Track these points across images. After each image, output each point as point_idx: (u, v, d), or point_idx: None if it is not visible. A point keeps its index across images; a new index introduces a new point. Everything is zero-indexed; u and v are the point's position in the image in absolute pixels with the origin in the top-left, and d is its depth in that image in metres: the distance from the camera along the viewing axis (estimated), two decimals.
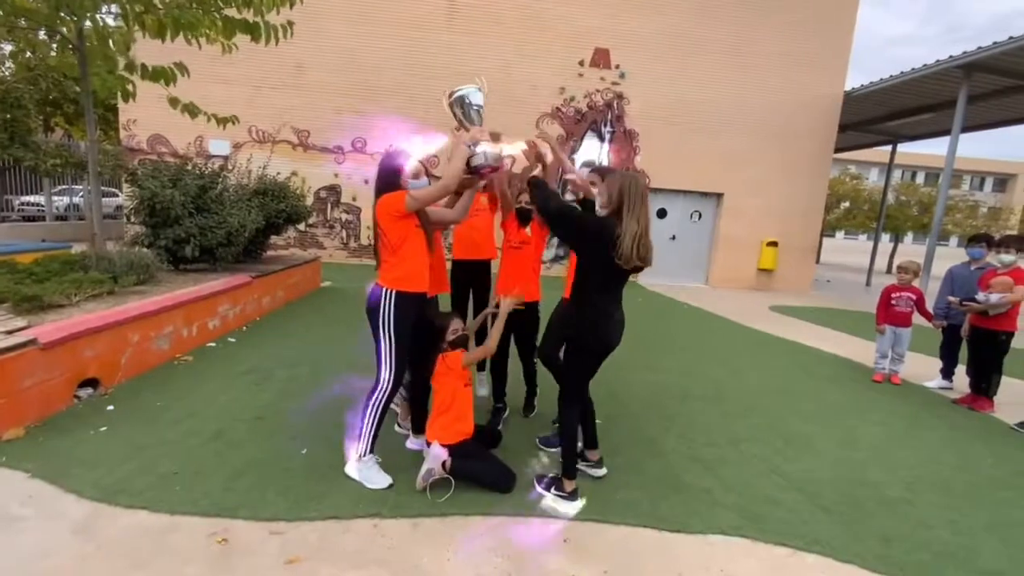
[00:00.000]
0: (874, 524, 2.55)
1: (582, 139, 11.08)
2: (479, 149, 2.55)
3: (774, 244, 11.59)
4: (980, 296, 4.26)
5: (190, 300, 4.50)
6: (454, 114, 2.71)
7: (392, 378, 2.60)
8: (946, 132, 10.44)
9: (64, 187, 12.52)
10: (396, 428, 3.25)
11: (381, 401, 2.61)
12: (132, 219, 5.48)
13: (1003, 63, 8.61)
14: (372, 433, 2.63)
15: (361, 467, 2.61)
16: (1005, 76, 9.03)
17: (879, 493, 2.85)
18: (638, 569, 2.14)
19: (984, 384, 4.43)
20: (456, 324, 2.78)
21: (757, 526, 2.46)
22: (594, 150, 11.16)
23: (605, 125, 11.07)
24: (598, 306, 2.46)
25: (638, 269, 2.36)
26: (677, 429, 3.55)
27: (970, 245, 4.75)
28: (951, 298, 4.60)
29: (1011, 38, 7.90)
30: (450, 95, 2.68)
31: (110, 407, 3.29)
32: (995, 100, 10.30)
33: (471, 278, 3.67)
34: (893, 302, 4.98)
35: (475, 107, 2.66)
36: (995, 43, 8.12)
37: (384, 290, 2.53)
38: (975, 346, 4.51)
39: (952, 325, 4.81)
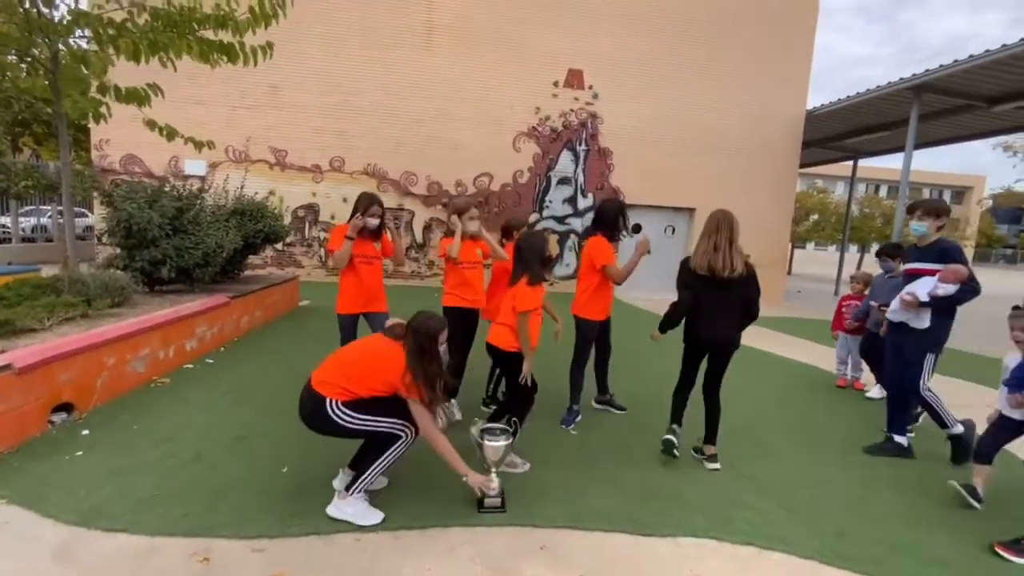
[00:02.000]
0: (833, 522, 2.70)
1: (558, 157, 11.35)
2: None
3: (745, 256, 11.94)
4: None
5: (167, 322, 4.48)
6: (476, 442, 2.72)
7: (412, 431, 2.50)
8: (901, 148, 10.99)
9: (31, 207, 12.25)
10: None
11: (404, 448, 2.51)
12: (105, 240, 5.43)
13: (950, 84, 9.16)
14: (378, 475, 2.52)
15: (347, 505, 2.46)
16: (953, 96, 9.60)
17: (838, 492, 3.01)
18: (612, 572, 2.23)
19: None
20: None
21: (725, 528, 2.58)
22: (569, 167, 11.44)
23: (580, 144, 11.37)
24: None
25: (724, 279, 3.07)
26: (652, 437, 3.66)
27: (879, 258, 4.91)
28: (872, 303, 4.65)
29: (956, 61, 8.43)
30: (481, 435, 2.68)
31: (85, 431, 3.26)
32: (945, 118, 10.91)
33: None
34: (844, 310, 5.22)
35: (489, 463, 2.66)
36: (941, 66, 8.65)
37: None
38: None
39: (873, 332, 4.71)
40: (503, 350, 3.09)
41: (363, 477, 2.46)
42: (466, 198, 3.28)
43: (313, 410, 2.42)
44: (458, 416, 3.71)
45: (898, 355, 3.63)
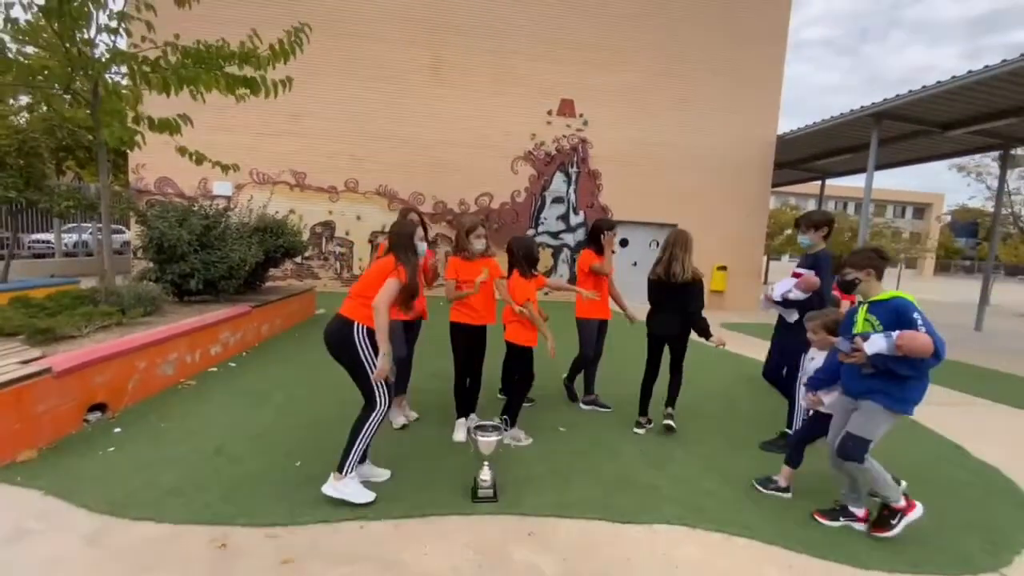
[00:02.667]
0: (796, 511, 2.71)
1: (551, 178, 11.46)
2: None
3: (724, 268, 12.00)
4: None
5: (193, 329, 4.52)
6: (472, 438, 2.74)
7: (388, 400, 2.63)
8: (863, 170, 11.07)
9: (73, 225, 12.35)
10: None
11: (377, 422, 2.61)
12: (140, 255, 5.49)
13: (907, 111, 9.26)
14: (362, 452, 2.61)
15: (342, 486, 2.53)
16: (910, 122, 9.69)
17: (802, 484, 3.01)
18: (593, 556, 2.25)
19: None
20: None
21: (697, 516, 2.59)
22: (562, 187, 11.55)
23: (572, 166, 11.48)
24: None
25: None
26: (632, 434, 3.69)
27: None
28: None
29: (910, 91, 8.53)
30: (474, 432, 2.70)
31: (117, 429, 3.30)
32: (903, 143, 11.00)
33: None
34: None
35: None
36: (898, 95, 8.76)
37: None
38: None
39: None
40: (517, 344, 3.38)
41: (349, 454, 2.57)
42: (472, 216, 3.27)
43: (340, 335, 2.60)
44: (415, 415, 3.78)
45: (776, 348, 3.68)
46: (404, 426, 3.60)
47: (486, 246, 3.49)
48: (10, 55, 4.28)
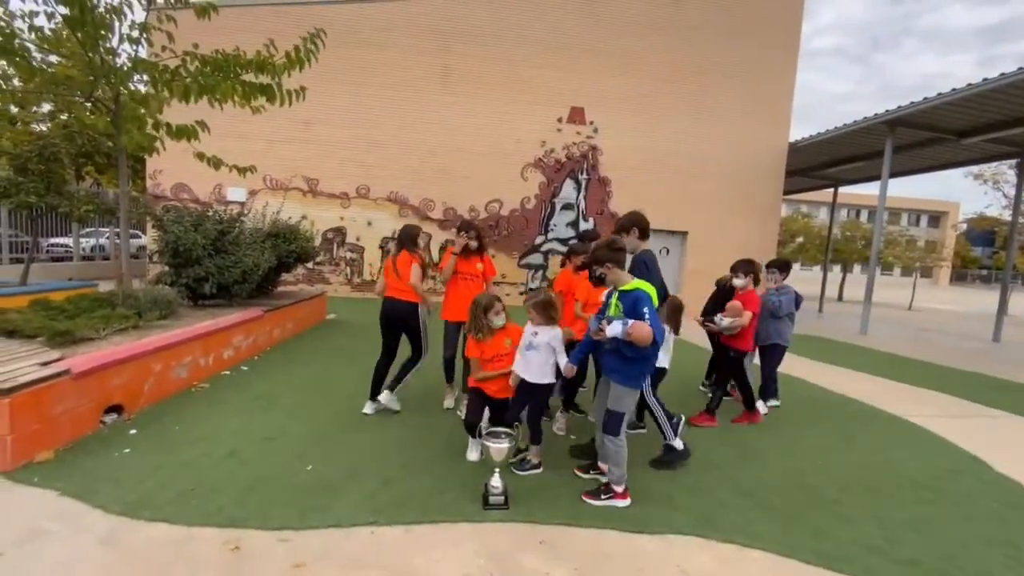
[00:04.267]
0: (810, 522, 2.67)
1: (561, 185, 11.49)
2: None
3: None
4: (716, 318, 4.19)
5: (207, 332, 4.58)
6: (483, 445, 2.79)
7: (427, 353, 4.00)
8: (877, 177, 10.96)
9: (90, 229, 12.57)
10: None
11: (418, 367, 3.98)
12: (156, 260, 5.58)
13: (922, 119, 9.18)
14: (402, 383, 3.95)
15: (391, 399, 3.89)
16: (925, 130, 9.60)
17: (815, 495, 2.97)
18: (605, 566, 2.23)
19: (747, 399, 4.32)
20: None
21: (710, 527, 2.56)
22: (572, 194, 11.57)
23: (581, 173, 11.50)
24: None
25: None
26: (644, 443, 3.65)
27: (768, 270, 4.68)
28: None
29: (925, 99, 8.46)
30: (486, 439, 2.73)
31: (133, 431, 3.34)
32: (917, 150, 10.89)
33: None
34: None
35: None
36: (912, 103, 8.69)
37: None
38: (719, 360, 4.55)
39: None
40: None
41: (403, 379, 3.95)
42: (489, 296, 3.21)
43: (408, 313, 3.86)
44: (397, 408, 3.97)
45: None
46: (448, 409, 4.12)
47: (504, 323, 3.20)
48: (35, 63, 4.39)
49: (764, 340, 4.58)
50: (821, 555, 2.37)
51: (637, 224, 3.44)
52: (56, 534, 2.23)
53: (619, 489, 2.74)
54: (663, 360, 3.61)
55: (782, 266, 4.67)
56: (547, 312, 3.05)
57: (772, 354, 4.68)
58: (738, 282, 4.24)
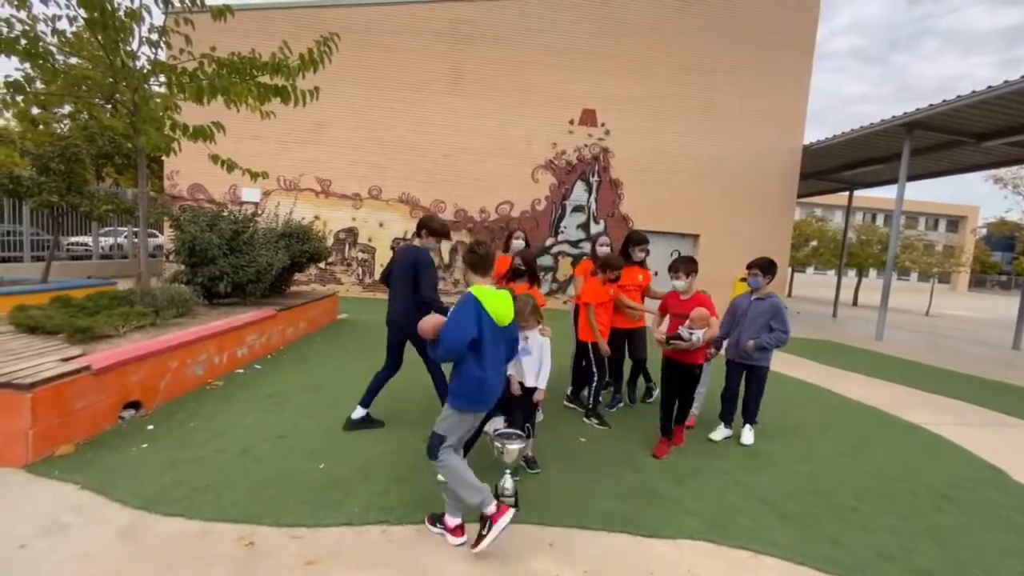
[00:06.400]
0: (825, 529, 2.64)
1: (572, 187, 11.48)
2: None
3: (746, 280, 11.78)
4: (685, 333, 3.44)
5: (222, 331, 4.65)
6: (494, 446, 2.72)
7: None
8: (894, 181, 10.80)
9: (109, 228, 12.81)
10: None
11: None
12: (172, 259, 5.68)
13: (940, 121, 9.03)
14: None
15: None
16: (942, 133, 9.44)
17: (830, 502, 2.93)
18: (615, 569, 2.22)
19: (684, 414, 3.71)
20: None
21: (721, 532, 2.55)
22: (583, 196, 11.55)
23: (592, 175, 11.49)
24: None
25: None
26: (644, 442, 3.64)
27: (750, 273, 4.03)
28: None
29: (944, 101, 8.32)
30: (497, 440, 2.67)
31: (150, 427, 3.40)
32: (935, 153, 10.71)
33: None
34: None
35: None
36: (931, 105, 8.55)
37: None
38: (680, 380, 3.62)
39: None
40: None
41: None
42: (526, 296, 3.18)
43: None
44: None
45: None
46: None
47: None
48: (57, 66, 4.50)
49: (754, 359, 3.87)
50: (835, 563, 2.34)
51: (422, 226, 3.66)
52: (76, 527, 2.28)
53: (452, 523, 2.37)
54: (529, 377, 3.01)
55: (765, 266, 3.82)
56: (536, 315, 3.09)
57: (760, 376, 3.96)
58: (679, 284, 3.66)
